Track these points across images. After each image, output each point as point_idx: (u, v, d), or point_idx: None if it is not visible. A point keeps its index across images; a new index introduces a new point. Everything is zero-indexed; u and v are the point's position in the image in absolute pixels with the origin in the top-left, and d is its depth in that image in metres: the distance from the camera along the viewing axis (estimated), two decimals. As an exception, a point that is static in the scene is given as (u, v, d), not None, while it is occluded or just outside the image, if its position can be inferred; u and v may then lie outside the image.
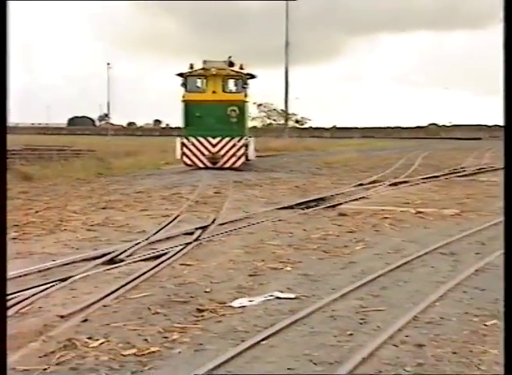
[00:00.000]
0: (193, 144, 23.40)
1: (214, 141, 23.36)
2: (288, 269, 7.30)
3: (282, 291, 6.22)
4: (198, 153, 23.42)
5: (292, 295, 6.10)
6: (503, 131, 2.41)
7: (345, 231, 9.90)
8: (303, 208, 12.63)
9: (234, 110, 23.62)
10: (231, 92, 24.10)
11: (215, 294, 6.18)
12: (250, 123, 26.79)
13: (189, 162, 23.53)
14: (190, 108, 23.65)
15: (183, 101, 23.83)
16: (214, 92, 23.60)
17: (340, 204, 13.36)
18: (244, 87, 24.01)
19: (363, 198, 14.68)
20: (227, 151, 23.43)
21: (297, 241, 9.00)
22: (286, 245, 8.69)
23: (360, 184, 17.65)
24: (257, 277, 6.86)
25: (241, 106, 23.89)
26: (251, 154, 24.51)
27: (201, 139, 23.38)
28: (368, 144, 53.67)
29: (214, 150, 23.39)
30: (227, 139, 23.36)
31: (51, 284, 6.41)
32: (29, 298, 5.88)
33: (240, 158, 23.53)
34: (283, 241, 9.05)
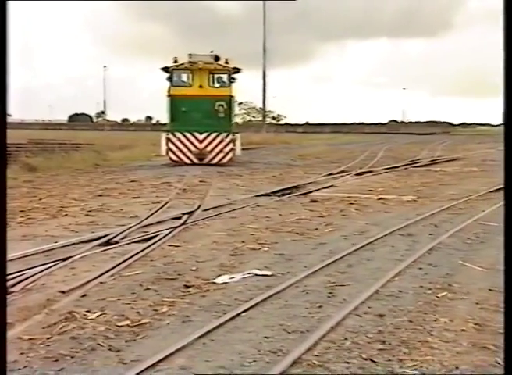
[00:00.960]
0: (180, 140, 20.68)
1: (201, 137, 20.71)
2: (265, 249, 7.31)
3: (260, 269, 6.23)
4: (185, 149, 20.75)
5: (269, 273, 6.12)
6: (503, 131, 2.34)
7: (316, 216, 9.93)
8: (279, 196, 12.64)
9: (222, 105, 20.87)
10: (218, 87, 21.36)
11: (200, 271, 6.17)
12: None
13: (175, 158, 20.73)
14: (175, 103, 20.81)
15: (169, 95, 20.90)
16: (200, 87, 20.91)
17: (312, 191, 13.40)
18: (231, 82, 21.19)
19: (332, 186, 14.73)
20: (214, 147, 20.85)
21: (274, 225, 9.01)
22: (263, 228, 8.69)
23: (330, 174, 17.70)
24: (238, 257, 6.87)
25: (228, 101, 21.15)
26: (238, 149, 21.53)
27: (188, 135, 20.69)
28: (336, 139, 53.76)
29: (201, 146, 20.78)
30: (214, 135, 20.73)
31: (54, 263, 6.37)
32: (33, 275, 5.84)
33: (227, 154, 20.88)
34: (261, 224, 9.06)
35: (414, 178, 16.68)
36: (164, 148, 20.92)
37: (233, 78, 21.15)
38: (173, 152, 20.77)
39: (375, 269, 6.27)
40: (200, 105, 20.74)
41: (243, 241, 7.70)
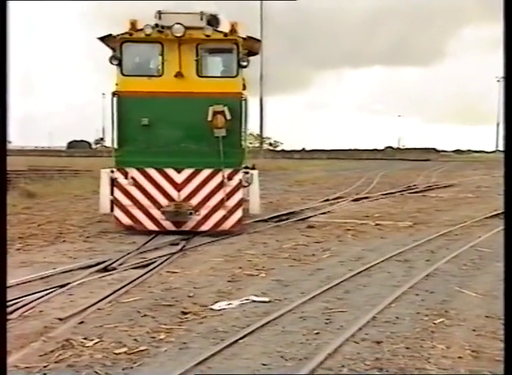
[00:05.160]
0: (136, 184, 10.45)
1: (179, 178, 10.48)
2: (263, 275, 7.28)
3: (257, 295, 6.20)
4: (146, 202, 10.44)
5: (266, 299, 6.09)
6: (503, 140, 2.33)
7: (313, 241, 9.92)
8: (276, 221, 12.63)
9: (222, 112, 10.40)
10: (215, 77, 10.91)
11: (198, 298, 6.14)
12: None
13: (126, 220, 10.44)
14: (128, 109, 10.53)
15: (115, 93, 10.55)
16: (179, 76, 10.43)
17: (309, 217, 13.39)
18: (241, 67, 10.56)
19: (329, 212, 14.73)
20: (206, 199, 10.47)
21: (271, 251, 8.99)
22: (260, 254, 8.67)
23: (327, 200, 17.71)
24: (236, 283, 6.84)
25: (236, 104, 10.54)
26: (255, 203, 10.93)
27: (153, 173, 10.48)
28: (333, 165, 53.97)
29: (178, 195, 10.45)
30: (207, 173, 10.49)
31: (52, 290, 6.33)
32: (31, 302, 5.80)
33: (232, 212, 10.48)
34: (258, 250, 9.04)
35: (410, 204, 16.69)
36: (106, 198, 10.58)
37: (244, 60, 10.52)
38: (123, 209, 10.42)
39: (372, 295, 6.24)
40: (179, 113, 10.59)
41: (240, 267, 7.67)
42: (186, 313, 5.54)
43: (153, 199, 10.48)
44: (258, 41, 11.69)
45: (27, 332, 4.91)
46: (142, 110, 10.61)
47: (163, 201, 10.47)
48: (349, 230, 11.29)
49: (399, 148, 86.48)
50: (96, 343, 4.69)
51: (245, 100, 10.84)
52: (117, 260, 7.98)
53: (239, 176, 10.62)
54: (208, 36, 10.35)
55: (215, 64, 11.45)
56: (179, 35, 10.26)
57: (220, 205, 10.49)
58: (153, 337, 4.85)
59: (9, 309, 5.46)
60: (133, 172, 10.54)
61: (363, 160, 63.34)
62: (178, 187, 10.52)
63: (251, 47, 11.32)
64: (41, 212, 14.07)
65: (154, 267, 7.59)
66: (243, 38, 10.58)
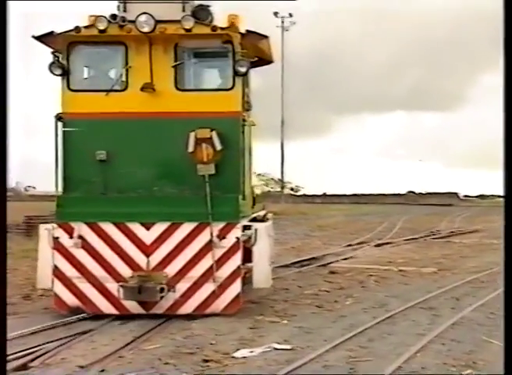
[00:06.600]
0: (86, 246, 7.37)
1: (147, 236, 7.40)
2: (284, 322, 7.19)
3: (279, 343, 6.11)
4: (100, 272, 7.36)
5: (288, 346, 5.99)
6: (503, 158, 2.28)
7: (335, 287, 9.80)
8: (298, 267, 12.54)
9: (208, 139, 7.49)
10: (201, 90, 8.14)
11: (220, 345, 6.07)
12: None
13: (72, 299, 7.32)
14: (77, 138, 7.75)
15: (59, 115, 7.75)
16: (148, 89, 7.58)
17: (331, 263, 13.27)
18: (239, 74, 7.59)
19: (351, 257, 14.59)
20: (187, 268, 7.37)
21: (293, 297, 8.89)
22: (282, 300, 8.58)
23: (349, 245, 17.56)
24: (257, 330, 6.76)
25: (231, 129, 7.68)
26: (261, 273, 7.56)
27: (109, 229, 7.42)
28: (354, 210, 53.72)
29: (147, 262, 7.35)
30: (188, 229, 7.40)
31: (73, 337, 6.32)
32: (53, 349, 5.79)
33: (226, 287, 7.34)
34: (280, 296, 8.95)
35: (434, 250, 16.45)
36: (45, 268, 7.49)
37: (243, 65, 7.57)
38: (66, 282, 7.40)
39: (396, 344, 6.11)
40: (150, 143, 7.78)
41: (261, 314, 7.58)
42: (207, 361, 5.47)
43: (110, 268, 7.28)
44: (265, 37, 7.88)
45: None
46: (97, 139, 7.67)
47: (125, 270, 7.25)
48: (371, 275, 11.15)
49: (421, 193, 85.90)
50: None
51: (244, 122, 7.82)
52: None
53: (235, 232, 7.32)
54: (188, 30, 7.29)
55: (202, 72, 8.38)
56: (146, 31, 7.26)
57: (208, 275, 7.27)
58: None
59: (31, 357, 5.44)
60: (82, 228, 7.32)
61: (385, 205, 63.05)
62: (147, 251, 7.31)
63: (258, 49, 8.05)
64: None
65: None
66: (240, 33, 7.45)
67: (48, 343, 5.98)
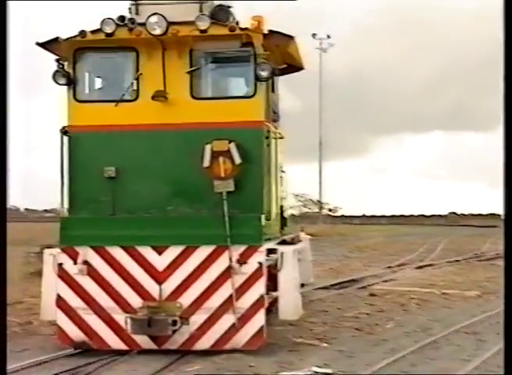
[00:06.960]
0: (92, 272, 6.72)
1: (159, 262, 6.72)
2: (324, 345, 7.09)
3: (319, 366, 6.02)
4: (108, 302, 6.69)
5: (329, 370, 5.90)
6: (503, 156, 2.25)
7: (376, 310, 9.64)
8: (337, 289, 12.40)
9: (226, 152, 6.82)
10: (219, 98, 7.32)
11: (259, 368, 6.01)
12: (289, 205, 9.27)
13: (76, 332, 6.67)
14: (84, 154, 7.21)
15: (65, 129, 7.22)
16: (161, 98, 6.98)
17: (371, 285, 13.08)
18: (260, 80, 6.89)
19: (391, 279, 14.35)
20: (203, 298, 6.64)
21: (332, 319, 8.78)
22: (322, 322, 8.48)
23: (389, 267, 17.30)
24: (297, 353, 6.68)
25: (253, 140, 6.99)
26: (288, 303, 6.82)
27: (118, 254, 6.74)
28: (394, 231, 52.96)
29: (160, 291, 6.65)
30: (205, 253, 6.67)
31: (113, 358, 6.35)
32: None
33: (247, 318, 6.55)
34: (320, 318, 8.84)
35: (478, 272, 16.04)
36: (49, 298, 6.88)
37: (265, 69, 6.84)
38: (70, 313, 6.74)
39: (440, 370, 5.95)
40: (163, 158, 7.19)
41: (301, 336, 7.50)
42: (247, 383, 5.42)
43: (119, 298, 6.63)
44: (290, 37, 7.12)
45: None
46: (105, 155, 7.10)
47: (135, 300, 6.61)
48: (413, 298, 10.93)
49: (463, 214, 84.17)
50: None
51: (269, 133, 7.13)
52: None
53: (258, 257, 6.55)
54: (203, 31, 6.68)
55: (220, 78, 7.70)
56: (158, 33, 6.68)
57: (227, 306, 6.54)
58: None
59: None
60: (88, 253, 6.69)
61: (425, 226, 62.01)
62: (159, 278, 6.63)
63: (286, 53, 7.44)
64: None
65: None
66: (262, 34, 6.77)
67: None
